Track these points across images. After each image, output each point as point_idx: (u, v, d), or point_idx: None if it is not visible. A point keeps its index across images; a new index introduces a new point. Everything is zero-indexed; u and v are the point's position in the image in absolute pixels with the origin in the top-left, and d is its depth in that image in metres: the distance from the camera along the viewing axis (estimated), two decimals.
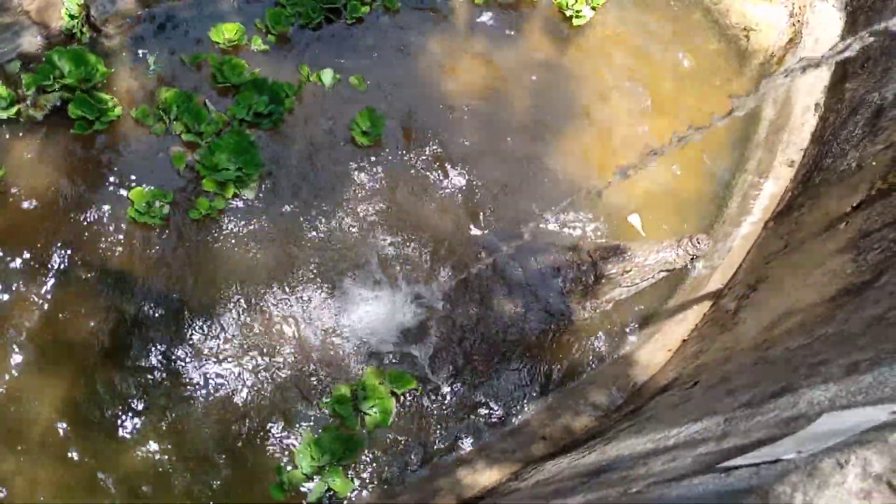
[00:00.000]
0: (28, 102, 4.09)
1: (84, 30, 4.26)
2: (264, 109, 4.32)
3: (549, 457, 3.67)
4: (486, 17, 4.92)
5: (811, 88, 4.72)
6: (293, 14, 4.66)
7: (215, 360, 3.87)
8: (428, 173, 4.45)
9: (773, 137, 4.72)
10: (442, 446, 3.90)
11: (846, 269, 3.16)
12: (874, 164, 3.65)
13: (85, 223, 4.03)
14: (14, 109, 4.05)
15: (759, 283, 3.95)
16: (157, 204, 4.03)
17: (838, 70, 4.65)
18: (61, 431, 3.59)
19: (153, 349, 3.83)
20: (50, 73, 4.08)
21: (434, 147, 4.51)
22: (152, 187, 4.09)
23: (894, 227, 3.07)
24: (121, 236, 4.03)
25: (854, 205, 3.55)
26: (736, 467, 1.69)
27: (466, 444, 3.91)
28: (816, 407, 1.90)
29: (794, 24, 4.94)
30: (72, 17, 4.24)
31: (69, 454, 3.56)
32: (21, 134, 4.13)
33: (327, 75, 4.60)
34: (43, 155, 4.11)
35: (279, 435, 3.79)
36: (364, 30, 4.79)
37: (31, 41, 4.21)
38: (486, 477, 3.69)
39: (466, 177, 4.47)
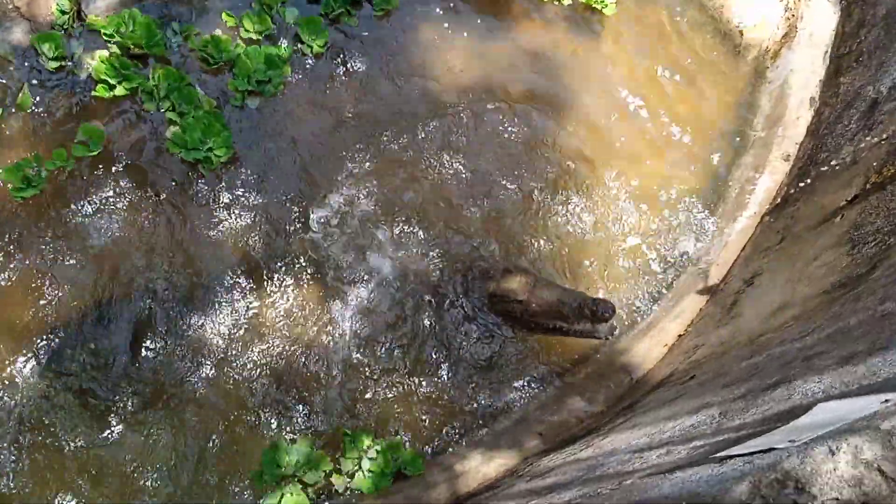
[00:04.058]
0: (73, 62, 4.24)
1: (74, 25, 4.24)
2: (264, 76, 4.33)
3: (544, 452, 3.66)
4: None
5: (806, 82, 4.71)
6: None
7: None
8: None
9: (769, 131, 4.71)
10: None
11: (841, 262, 3.16)
12: (869, 157, 3.64)
13: None
14: (57, 64, 4.21)
15: (756, 277, 3.94)
16: (32, 171, 3.93)
17: (833, 64, 4.64)
18: None
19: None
20: (119, 25, 4.18)
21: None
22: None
23: (889, 221, 3.07)
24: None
25: (849, 198, 3.55)
26: (730, 457, 1.68)
27: (461, 442, 3.89)
28: (810, 398, 1.89)
29: (788, 19, 4.93)
30: (63, 12, 4.22)
31: None
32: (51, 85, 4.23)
33: (290, 14, 4.56)
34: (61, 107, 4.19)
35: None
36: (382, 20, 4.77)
37: (20, 37, 4.20)
38: (482, 473, 3.68)
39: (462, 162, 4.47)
